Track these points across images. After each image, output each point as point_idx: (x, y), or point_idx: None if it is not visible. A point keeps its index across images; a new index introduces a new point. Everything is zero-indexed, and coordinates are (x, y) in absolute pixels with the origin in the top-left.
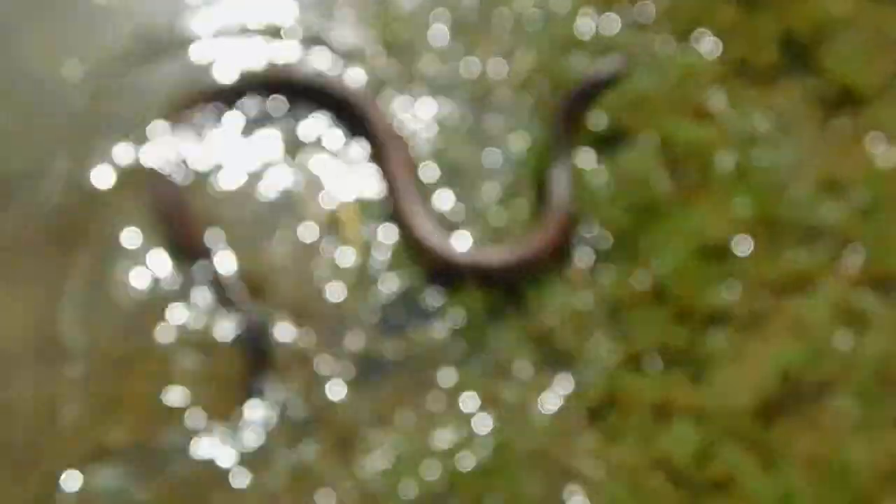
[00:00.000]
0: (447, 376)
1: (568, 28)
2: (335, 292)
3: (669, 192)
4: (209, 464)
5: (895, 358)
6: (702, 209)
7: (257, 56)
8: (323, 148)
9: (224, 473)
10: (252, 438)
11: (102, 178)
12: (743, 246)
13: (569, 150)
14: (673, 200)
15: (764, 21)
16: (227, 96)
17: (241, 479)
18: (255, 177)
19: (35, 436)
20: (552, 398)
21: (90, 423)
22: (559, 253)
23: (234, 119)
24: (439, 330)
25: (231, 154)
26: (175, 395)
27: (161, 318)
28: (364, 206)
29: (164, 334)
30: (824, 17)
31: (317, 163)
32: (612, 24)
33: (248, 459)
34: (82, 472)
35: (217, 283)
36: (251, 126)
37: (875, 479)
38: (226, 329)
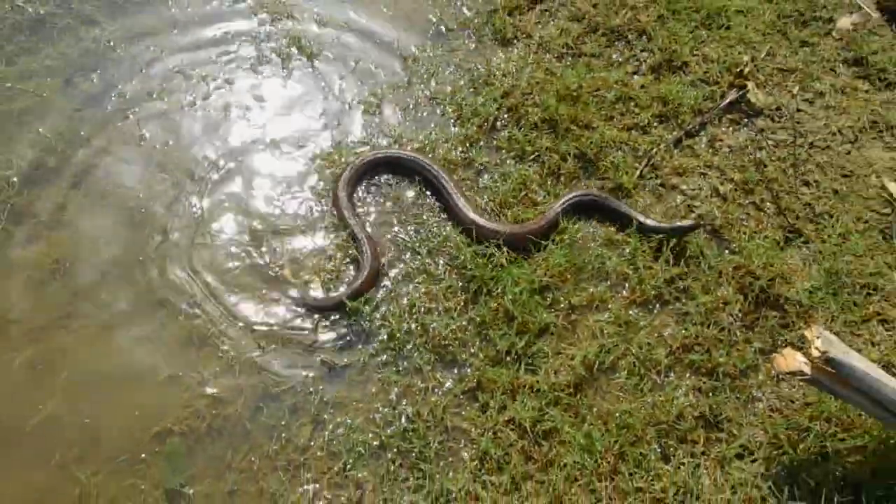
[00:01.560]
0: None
1: (453, 154)
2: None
3: (509, 256)
4: None
5: (654, 348)
6: (534, 263)
7: None
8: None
9: None
10: None
11: None
12: (560, 283)
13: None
14: (512, 259)
15: (567, 145)
16: None
17: None
18: None
19: None
20: (445, 385)
21: None
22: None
23: None
24: (370, 346)
25: None
26: None
27: None
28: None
29: None
30: (603, 140)
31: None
32: (479, 148)
33: None
34: None
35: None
36: None
37: (644, 427)
38: None
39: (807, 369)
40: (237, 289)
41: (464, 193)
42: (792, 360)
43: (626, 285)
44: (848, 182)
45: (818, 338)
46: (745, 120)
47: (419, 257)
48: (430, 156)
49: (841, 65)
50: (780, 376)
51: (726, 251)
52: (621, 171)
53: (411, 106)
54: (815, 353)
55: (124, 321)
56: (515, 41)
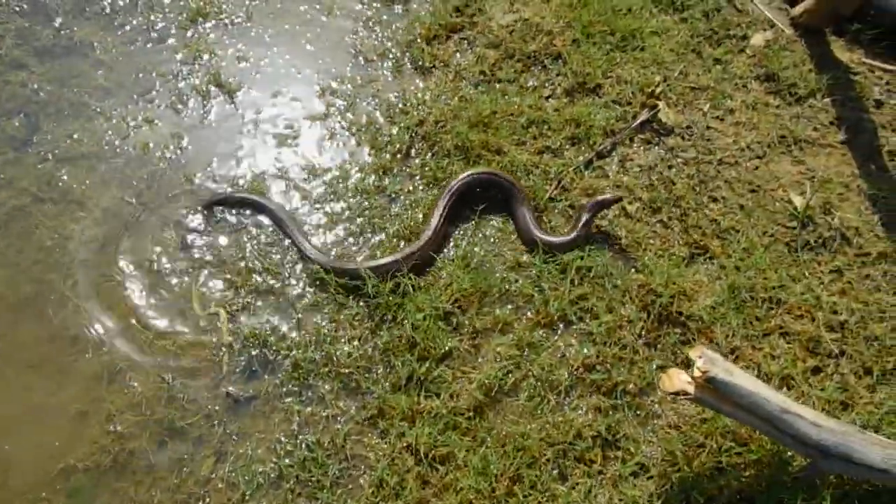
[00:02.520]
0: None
1: (367, 182)
2: None
3: (415, 281)
4: None
5: (556, 369)
6: (439, 288)
7: None
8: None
9: None
10: None
11: None
12: (463, 308)
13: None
14: (417, 285)
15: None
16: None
17: None
18: None
19: None
20: (348, 412)
21: None
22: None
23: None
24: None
25: None
26: None
27: None
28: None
29: None
30: (514, 164)
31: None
32: (393, 175)
33: None
34: None
35: None
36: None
37: (541, 448)
38: None
39: (690, 389)
40: (146, 324)
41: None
42: (676, 380)
43: (532, 307)
44: (755, 197)
45: (700, 357)
46: (657, 139)
47: (329, 287)
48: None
49: (753, 81)
50: (667, 396)
51: (633, 269)
52: (532, 194)
53: (327, 136)
54: (697, 374)
55: (36, 358)
56: (433, 69)
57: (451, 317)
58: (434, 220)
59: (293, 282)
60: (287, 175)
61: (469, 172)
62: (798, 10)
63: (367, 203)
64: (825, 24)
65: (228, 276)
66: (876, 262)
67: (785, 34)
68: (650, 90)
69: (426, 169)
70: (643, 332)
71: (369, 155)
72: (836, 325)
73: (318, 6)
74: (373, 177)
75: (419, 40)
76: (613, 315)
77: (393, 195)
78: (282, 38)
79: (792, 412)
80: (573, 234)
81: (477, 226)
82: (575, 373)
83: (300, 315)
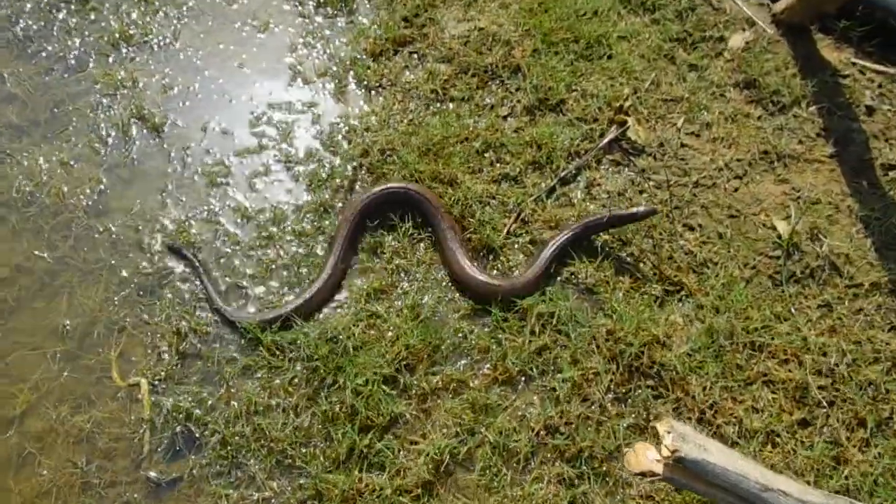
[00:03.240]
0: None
1: (303, 225)
2: None
3: (358, 338)
4: None
5: (515, 433)
6: (381, 347)
7: None
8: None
9: None
10: None
11: None
12: (411, 367)
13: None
14: (359, 344)
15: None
16: None
17: None
18: None
19: None
20: (282, 495)
21: None
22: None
23: None
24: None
25: None
26: None
27: None
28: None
29: None
30: (468, 197)
31: None
32: (334, 225)
33: None
34: None
35: None
36: None
37: None
38: None
39: (658, 469)
40: (58, 399)
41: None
42: (643, 457)
43: (489, 361)
44: (735, 223)
45: (669, 433)
46: (626, 160)
47: (262, 349)
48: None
49: (731, 89)
50: (634, 476)
51: (600, 312)
52: (488, 229)
53: (262, 172)
54: (665, 453)
55: None
56: (380, 89)
57: (397, 378)
58: (330, 260)
59: (223, 344)
60: (216, 219)
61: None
62: (780, 5)
63: (303, 249)
64: (809, 20)
65: (151, 340)
66: (868, 293)
67: (766, 34)
68: (618, 104)
69: None
70: (612, 386)
71: (307, 191)
72: (825, 369)
73: (253, 22)
74: (311, 217)
75: (364, 57)
76: (579, 367)
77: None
78: (213, 60)
79: (774, 489)
80: None
81: (429, 268)
82: (536, 438)
83: (230, 382)
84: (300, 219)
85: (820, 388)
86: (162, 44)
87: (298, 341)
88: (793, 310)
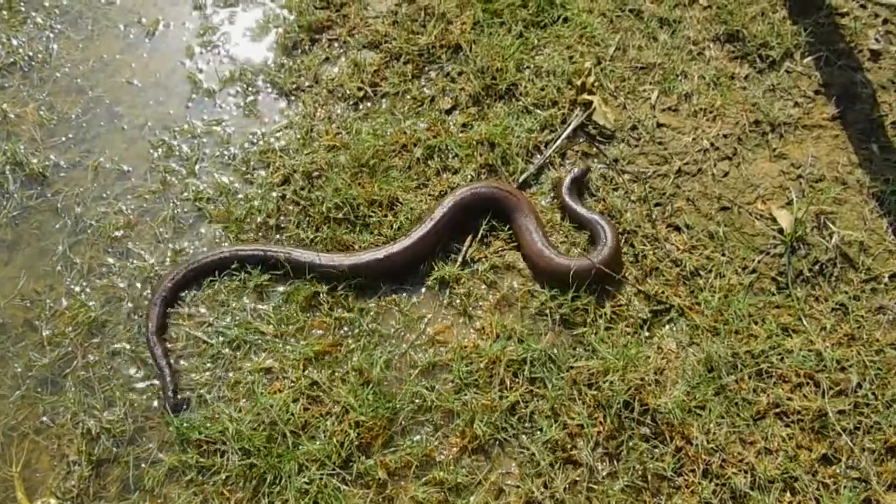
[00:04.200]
0: None
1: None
2: None
3: (297, 419)
4: None
5: None
6: (327, 426)
7: None
8: None
9: None
10: None
11: None
12: (364, 447)
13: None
14: (302, 424)
15: (366, 237)
16: None
17: None
18: None
19: None
20: None
21: None
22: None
23: None
24: None
25: None
26: None
27: None
28: None
29: None
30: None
31: None
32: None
33: None
34: None
35: None
36: None
37: None
38: None
39: None
40: None
41: None
42: None
43: (455, 427)
44: (727, 217)
45: None
46: (595, 150)
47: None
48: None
49: (711, 45)
50: None
51: (579, 347)
52: (438, 262)
53: (169, 217)
54: None
55: None
56: (298, 92)
57: (350, 464)
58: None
59: (142, 443)
60: (116, 284)
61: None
62: None
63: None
64: None
65: (57, 446)
66: (889, 287)
67: None
68: (580, 81)
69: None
70: (600, 442)
71: (222, 232)
72: (846, 388)
73: (141, 21)
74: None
75: (275, 53)
76: (559, 423)
77: (259, 288)
78: (97, 76)
79: None
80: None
81: (376, 317)
82: None
83: (155, 490)
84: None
85: (840, 413)
86: (34, 63)
87: (229, 431)
88: (803, 319)
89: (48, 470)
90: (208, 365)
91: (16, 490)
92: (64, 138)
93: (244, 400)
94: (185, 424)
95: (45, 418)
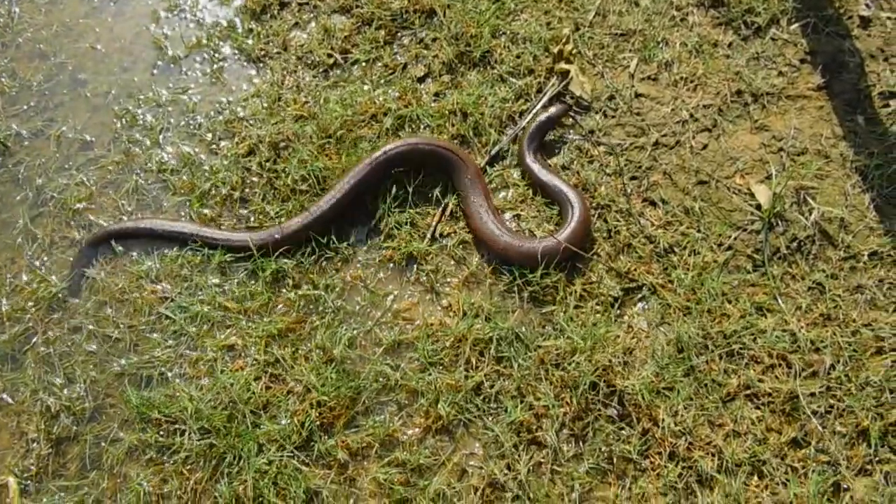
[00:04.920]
0: None
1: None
2: None
3: (256, 398)
4: None
5: (452, 500)
6: (288, 404)
7: None
8: None
9: None
10: None
11: None
12: (326, 426)
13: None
14: (262, 403)
15: (332, 210)
16: None
17: None
18: None
19: None
20: None
21: None
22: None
23: None
24: None
25: None
26: None
27: None
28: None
29: None
30: (380, 193)
31: None
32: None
33: None
34: None
35: None
36: None
37: None
38: None
39: None
40: None
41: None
42: None
43: (419, 407)
44: (705, 192)
45: None
46: (571, 121)
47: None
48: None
49: (694, 10)
50: None
51: (548, 326)
52: (405, 233)
53: (132, 189)
54: None
55: None
56: (267, 59)
57: (311, 444)
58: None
59: (103, 420)
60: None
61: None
62: None
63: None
64: None
65: (16, 424)
66: (868, 266)
67: None
68: (557, 49)
69: (265, 219)
70: (566, 423)
71: (188, 206)
72: (819, 370)
73: None
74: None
75: (242, 18)
76: (525, 404)
77: (223, 265)
78: (61, 41)
79: None
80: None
81: (342, 293)
82: (480, 500)
83: (115, 469)
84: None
85: (812, 395)
86: None
87: (188, 410)
88: (778, 298)
89: (7, 448)
90: (170, 342)
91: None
92: (26, 106)
93: (206, 378)
94: (144, 402)
95: (4, 395)
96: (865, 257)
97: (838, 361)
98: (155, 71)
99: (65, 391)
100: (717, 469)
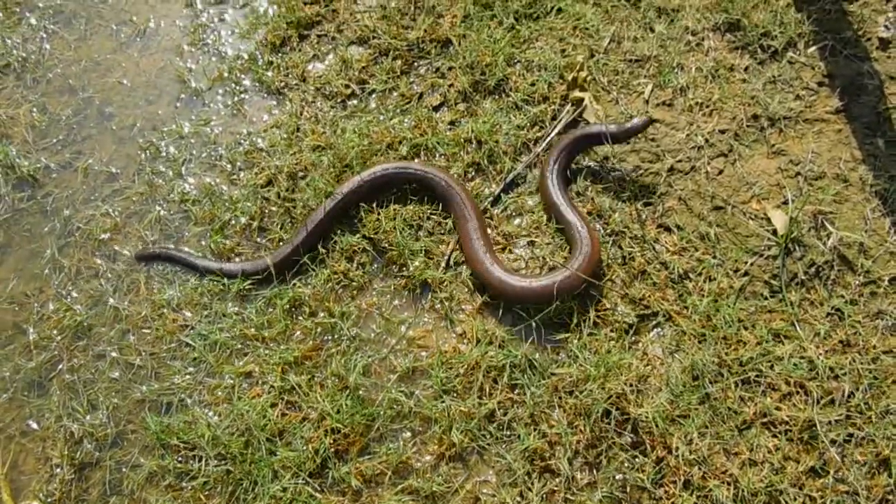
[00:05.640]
0: None
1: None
2: None
3: (273, 426)
4: None
5: None
6: (303, 431)
7: None
8: None
9: None
10: None
11: None
12: (341, 453)
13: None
14: (277, 432)
15: (348, 239)
16: None
17: None
18: None
19: None
20: None
21: None
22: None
23: None
24: None
25: None
26: None
27: None
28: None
29: None
30: (394, 222)
31: None
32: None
33: None
34: None
35: None
36: None
37: None
38: None
39: None
40: None
41: None
42: None
43: (433, 434)
44: (720, 217)
45: None
46: (587, 146)
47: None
48: None
49: (710, 35)
50: None
51: (562, 353)
52: (420, 262)
53: (155, 219)
54: None
55: None
56: (286, 90)
57: (325, 471)
58: None
59: (124, 446)
60: (103, 288)
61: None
62: None
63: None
64: None
65: (42, 449)
66: (889, 291)
67: None
68: (572, 76)
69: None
70: (579, 450)
71: (209, 235)
72: (838, 397)
73: (133, 20)
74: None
75: (263, 50)
76: (539, 432)
77: (244, 292)
78: (89, 76)
79: None
80: None
81: (358, 320)
82: None
83: (135, 495)
84: (200, 280)
85: (831, 424)
86: (27, 64)
87: (206, 437)
88: (796, 324)
89: (33, 473)
90: (190, 369)
91: (1, 492)
92: (55, 140)
93: (224, 404)
94: (164, 429)
95: (30, 421)
96: (886, 282)
97: (857, 389)
98: (178, 104)
99: (88, 417)
100: (732, 499)
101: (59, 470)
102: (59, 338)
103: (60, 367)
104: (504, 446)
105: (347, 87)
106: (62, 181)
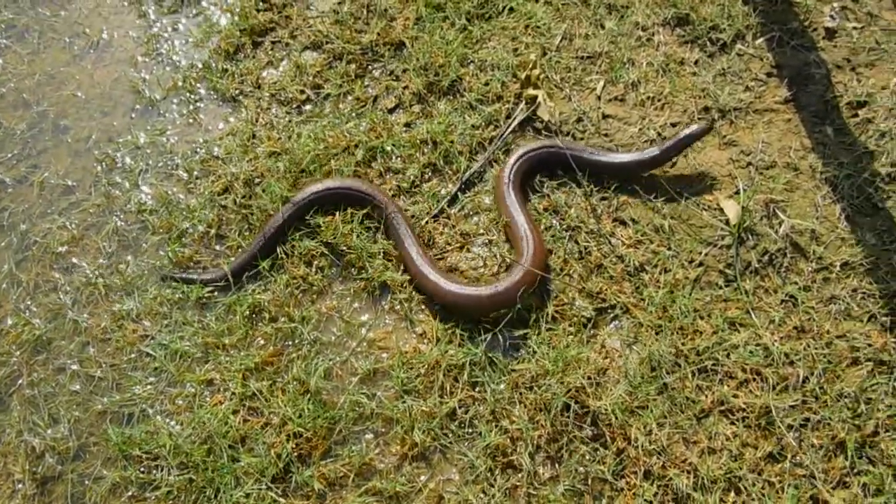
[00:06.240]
0: None
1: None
2: None
3: (236, 432)
4: None
5: None
6: (265, 437)
7: None
8: None
9: None
10: None
11: None
12: (304, 457)
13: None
14: (242, 436)
15: (302, 243)
16: None
17: None
18: None
19: None
20: None
21: None
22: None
23: None
24: None
25: None
26: None
27: None
28: None
29: None
30: (347, 226)
31: None
32: (201, 268)
33: None
34: None
35: None
36: None
37: None
38: None
39: None
40: None
41: None
42: None
43: (396, 434)
44: (675, 210)
45: None
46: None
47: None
48: None
49: (660, 30)
50: None
51: (523, 350)
52: (379, 267)
53: (112, 231)
54: None
55: None
56: (241, 98)
57: (288, 476)
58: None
59: (86, 458)
60: (61, 301)
61: None
62: None
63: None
64: None
65: (6, 466)
66: (841, 276)
67: None
68: (525, 74)
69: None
70: (541, 445)
71: (165, 249)
72: (793, 382)
73: (86, 32)
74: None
75: (216, 58)
76: (500, 429)
77: (203, 300)
78: (43, 90)
79: None
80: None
81: (318, 324)
82: None
83: None
84: (160, 288)
85: (787, 409)
86: None
87: (167, 446)
88: (751, 312)
89: None
90: (151, 379)
91: None
92: (10, 154)
93: (186, 413)
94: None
95: None
96: (838, 268)
97: (812, 374)
98: (133, 115)
99: (49, 431)
100: (693, 487)
101: (20, 485)
102: (18, 353)
103: (20, 381)
104: (466, 444)
105: (302, 92)
106: (18, 195)
